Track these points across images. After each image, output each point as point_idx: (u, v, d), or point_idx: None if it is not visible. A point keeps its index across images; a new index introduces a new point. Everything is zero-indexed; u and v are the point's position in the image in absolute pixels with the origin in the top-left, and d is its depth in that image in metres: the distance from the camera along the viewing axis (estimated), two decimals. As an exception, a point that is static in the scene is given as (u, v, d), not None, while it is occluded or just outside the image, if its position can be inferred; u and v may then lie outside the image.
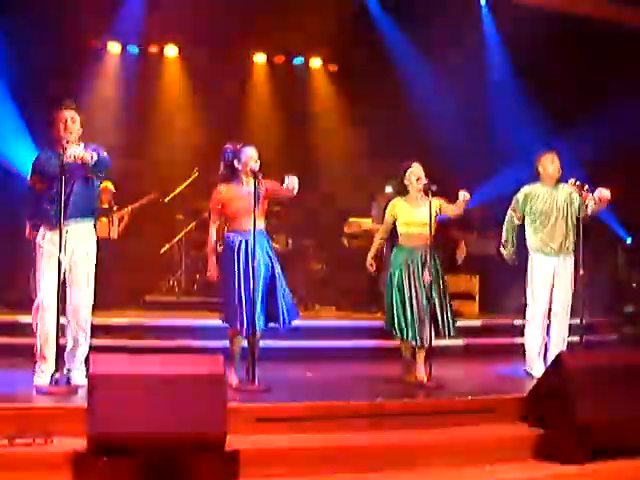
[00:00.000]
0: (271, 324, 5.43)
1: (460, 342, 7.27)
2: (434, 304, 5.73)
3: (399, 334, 5.77)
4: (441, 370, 5.77)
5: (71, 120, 5.16)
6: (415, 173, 5.86)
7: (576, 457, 4.52)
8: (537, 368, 6.06)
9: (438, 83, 9.61)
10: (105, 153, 5.17)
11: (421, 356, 5.76)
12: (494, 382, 6.08)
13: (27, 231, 5.40)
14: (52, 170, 5.06)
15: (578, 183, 5.94)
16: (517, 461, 4.61)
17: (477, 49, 9.71)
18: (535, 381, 5.28)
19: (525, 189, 6.33)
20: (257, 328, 5.28)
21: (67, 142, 5.03)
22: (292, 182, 5.25)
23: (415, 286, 5.76)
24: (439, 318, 5.73)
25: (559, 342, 6.14)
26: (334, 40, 10.00)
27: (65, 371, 5.11)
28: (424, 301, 5.71)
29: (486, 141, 9.59)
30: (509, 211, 6.39)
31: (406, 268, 5.80)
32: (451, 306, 5.86)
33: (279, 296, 5.41)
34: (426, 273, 5.71)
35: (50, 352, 5.05)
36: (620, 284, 9.23)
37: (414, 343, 5.76)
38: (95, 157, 4.95)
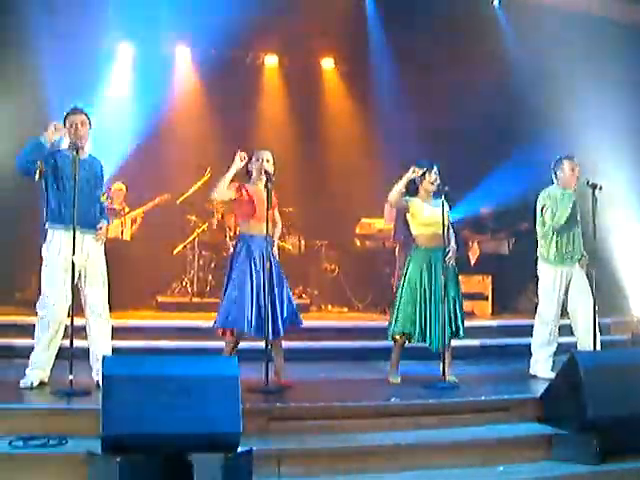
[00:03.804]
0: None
1: (473, 342, 7.24)
2: (450, 305, 5.71)
3: (413, 335, 5.75)
4: (454, 370, 5.78)
5: (81, 124, 5.22)
6: (429, 174, 5.87)
7: (590, 457, 4.49)
8: (541, 369, 6.08)
9: (453, 81, 9.59)
10: (104, 172, 5.43)
11: (447, 356, 5.70)
12: (507, 382, 6.05)
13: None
14: (62, 171, 5.13)
15: (591, 183, 5.89)
16: (531, 461, 4.59)
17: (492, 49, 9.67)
18: (549, 381, 5.26)
19: (544, 193, 6.22)
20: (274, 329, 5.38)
21: (78, 146, 5.11)
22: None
23: (431, 287, 5.75)
24: (452, 319, 5.73)
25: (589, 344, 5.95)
26: (346, 40, 10.01)
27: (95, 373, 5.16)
28: (439, 302, 5.67)
29: (501, 141, 9.55)
30: (547, 225, 6.15)
31: (421, 268, 5.78)
32: (462, 308, 5.86)
33: (285, 300, 5.51)
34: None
35: (39, 357, 5.14)
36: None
37: (426, 344, 5.74)
38: (105, 225, 5.36)
